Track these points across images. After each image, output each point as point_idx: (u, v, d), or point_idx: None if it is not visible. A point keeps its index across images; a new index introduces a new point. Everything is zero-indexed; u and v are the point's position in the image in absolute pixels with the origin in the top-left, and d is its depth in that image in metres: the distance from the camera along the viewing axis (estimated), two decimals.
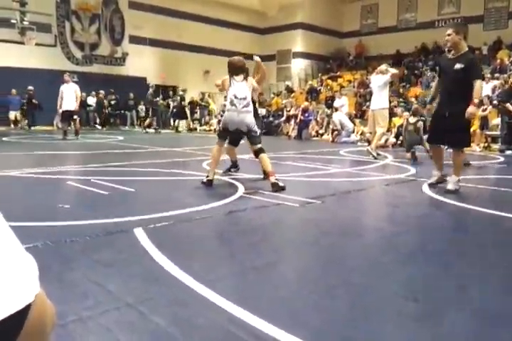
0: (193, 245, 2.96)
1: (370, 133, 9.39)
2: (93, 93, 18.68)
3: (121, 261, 2.55)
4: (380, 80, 9.09)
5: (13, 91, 16.11)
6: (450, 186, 4.99)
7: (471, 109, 4.76)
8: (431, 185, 5.29)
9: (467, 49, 5.00)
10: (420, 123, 8.96)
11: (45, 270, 2.44)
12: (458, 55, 4.88)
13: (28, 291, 0.85)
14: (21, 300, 0.83)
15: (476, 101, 4.78)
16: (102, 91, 19.16)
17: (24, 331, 0.86)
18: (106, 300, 2.01)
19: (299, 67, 24.34)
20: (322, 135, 15.15)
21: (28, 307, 0.87)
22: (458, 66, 4.79)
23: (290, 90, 21.23)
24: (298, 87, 23.01)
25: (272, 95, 21.58)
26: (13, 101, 15.96)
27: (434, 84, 5.61)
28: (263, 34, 25.49)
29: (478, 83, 4.79)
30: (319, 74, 23.61)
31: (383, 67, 9.09)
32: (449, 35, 4.88)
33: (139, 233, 3.09)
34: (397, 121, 12.35)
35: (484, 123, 11.34)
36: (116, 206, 4.12)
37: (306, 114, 15.29)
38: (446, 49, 5.37)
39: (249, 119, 5.15)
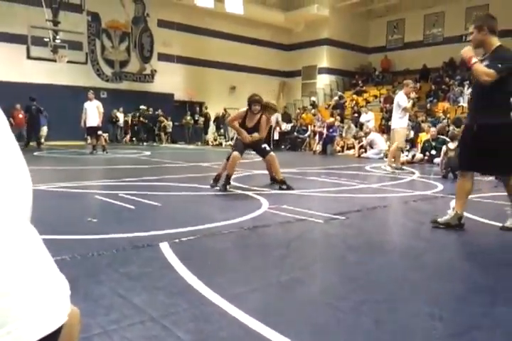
0: (218, 260, 2.97)
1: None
2: (121, 109, 19.10)
3: (146, 274, 2.58)
4: (399, 98, 9.14)
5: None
6: None
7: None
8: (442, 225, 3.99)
9: (499, 44, 3.87)
10: None
11: (72, 283, 2.48)
12: (489, 54, 3.87)
13: (61, 312, 0.88)
14: (56, 320, 0.86)
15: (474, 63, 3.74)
16: (151, 108, 19.79)
17: None
18: (131, 313, 2.03)
19: (324, 82, 24.38)
20: (350, 149, 15.04)
21: (61, 327, 0.89)
22: (484, 64, 3.78)
23: (315, 106, 21.23)
24: (323, 102, 23.02)
25: (298, 110, 21.63)
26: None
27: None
28: (288, 50, 25.71)
29: (490, 71, 3.67)
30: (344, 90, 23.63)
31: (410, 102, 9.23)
32: (471, 33, 4.01)
33: (165, 247, 3.12)
34: (423, 136, 12.21)
35: None
36: (143, 220, 4.17)
37: (331, 130, 15.29)
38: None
39: None
